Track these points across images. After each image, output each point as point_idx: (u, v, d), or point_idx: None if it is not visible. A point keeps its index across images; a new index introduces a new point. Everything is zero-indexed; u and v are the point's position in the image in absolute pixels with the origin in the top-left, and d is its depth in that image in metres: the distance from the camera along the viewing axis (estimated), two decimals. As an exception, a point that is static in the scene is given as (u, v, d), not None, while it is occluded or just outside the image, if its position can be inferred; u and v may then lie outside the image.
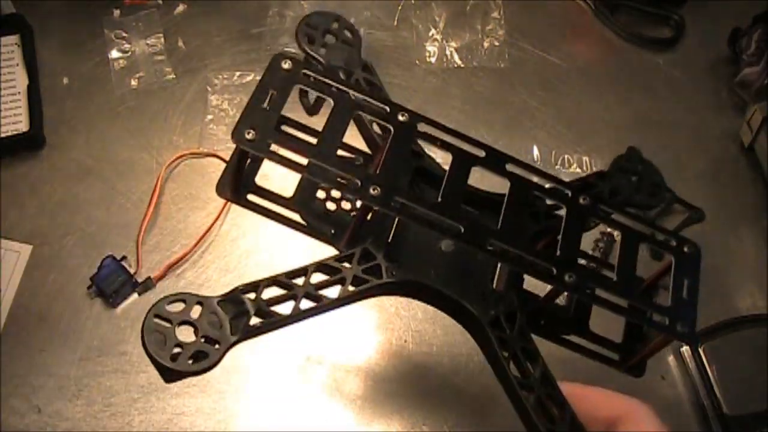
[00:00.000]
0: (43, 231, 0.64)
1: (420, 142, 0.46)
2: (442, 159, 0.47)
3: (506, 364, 0.42)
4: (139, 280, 0.63)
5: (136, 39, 0.74)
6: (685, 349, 0.63)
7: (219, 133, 0.70)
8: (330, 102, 0.45)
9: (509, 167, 0.45)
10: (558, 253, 0.43)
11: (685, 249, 0.46)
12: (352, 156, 0.50)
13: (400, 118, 0.44)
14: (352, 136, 0.48)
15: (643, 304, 0.44)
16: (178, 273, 0.64)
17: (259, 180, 0.48)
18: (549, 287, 0.44)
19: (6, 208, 0.65)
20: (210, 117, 0.71)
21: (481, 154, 0.45)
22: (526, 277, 0.47)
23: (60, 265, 0.63)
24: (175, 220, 0.66)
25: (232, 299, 0.40)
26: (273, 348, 0.61)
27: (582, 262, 0.44)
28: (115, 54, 0.73)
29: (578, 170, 0.71)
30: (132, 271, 0.63)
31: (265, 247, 0.65)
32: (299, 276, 0.42)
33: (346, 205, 0.49)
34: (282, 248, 0.65)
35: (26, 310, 0.61)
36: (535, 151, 0.72)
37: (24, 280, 0.62)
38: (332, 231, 0.47)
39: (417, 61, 0.77)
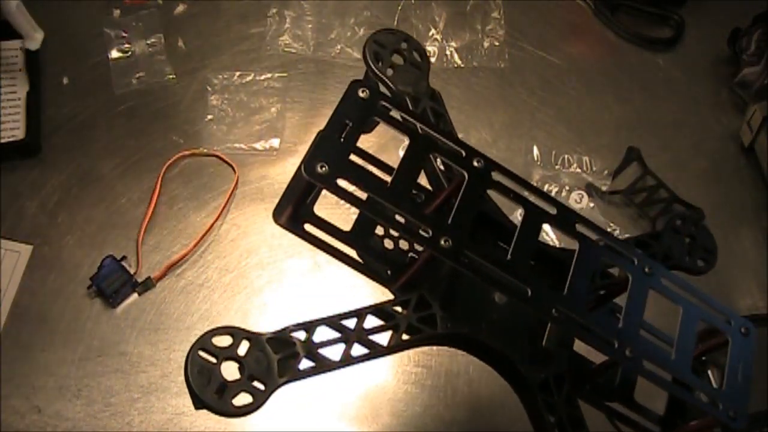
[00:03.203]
0: (43, 231, 0.65)
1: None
2: (499, 202, 0.46)
3: (550, 429, 0.41)
4: (139, 280, 0.63)
5: (136, 39, 0.74)
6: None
7: (219, 133, 0.70)
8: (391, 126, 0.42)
9: (579, 228, 0.43)
10: (621, 324, 0.41)
11: (742, 330, 0.45)
12: (414, 192, 0.48)
13: (475, 164, 0.42)
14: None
15: (697, 384, 0.43)
16: (178, 273, 0.64)
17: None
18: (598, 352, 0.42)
19: (6, 208, 0.65)
20: (210, 117, 0.71)
21: (553, 210, 0.43)
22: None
23: (60, 265, 0.63)
24: (175, 220, 0.66)
25: (282, 338, 0.39)
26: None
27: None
28: (115, 54, 0.73)
29: (578, 170, 0.71)
30: (132, 271, 0.63)
31: (265, 247, 0.65)
32: (351, 318, 0.40)
33: (403, 244, 0.47)
34: (282, 248, 0.65)
35: (26, 310, 0.61)
36: (535, 151, 0.72)
37: (24, 280, 0.62)
38: (388, 271, 0.45)
39: (417, 61, 0.76)
